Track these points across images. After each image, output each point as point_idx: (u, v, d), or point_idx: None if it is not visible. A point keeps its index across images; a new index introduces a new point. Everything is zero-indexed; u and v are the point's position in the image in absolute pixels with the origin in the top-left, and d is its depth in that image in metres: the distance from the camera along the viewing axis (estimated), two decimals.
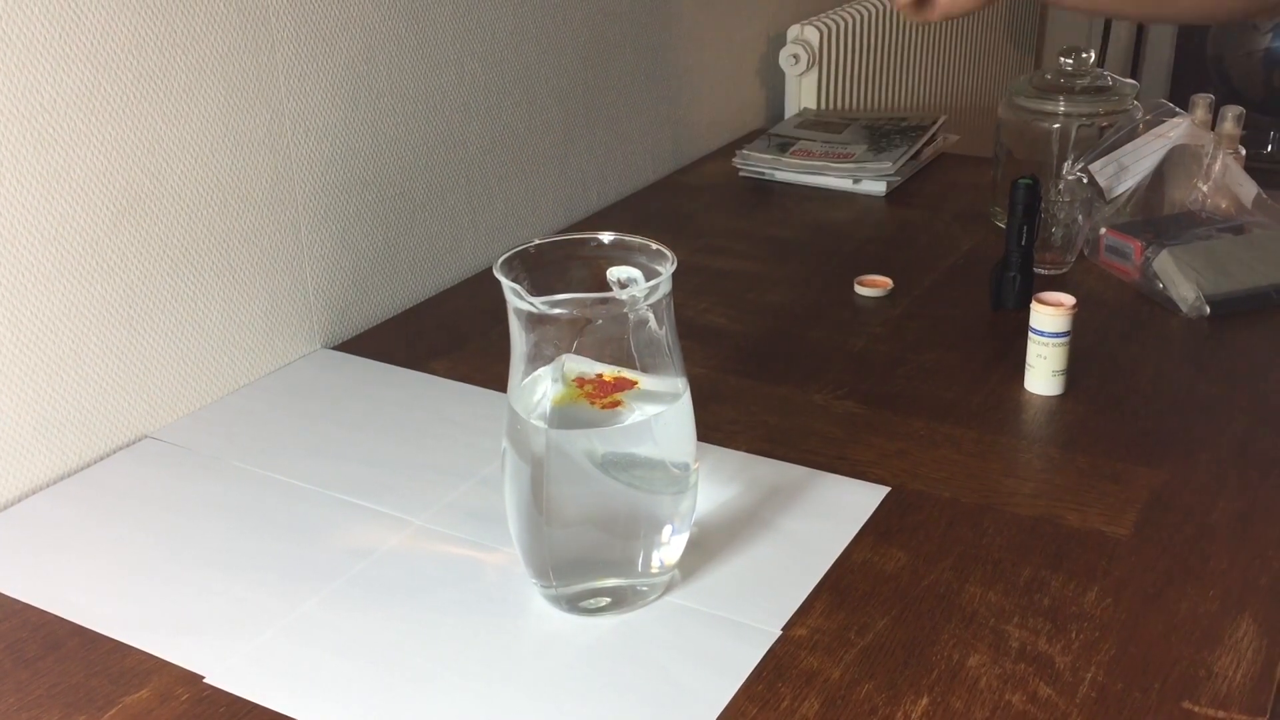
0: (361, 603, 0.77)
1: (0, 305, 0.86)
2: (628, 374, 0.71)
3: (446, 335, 1.16)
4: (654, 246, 0.72)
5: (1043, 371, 1.01)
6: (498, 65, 1.29)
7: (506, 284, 0.69)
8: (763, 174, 1.57)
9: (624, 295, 0.70)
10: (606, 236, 0.74)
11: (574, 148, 1.44)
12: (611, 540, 0.74)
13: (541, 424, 0.70)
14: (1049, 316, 1.00)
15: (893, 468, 0.91)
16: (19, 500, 0.89)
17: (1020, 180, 1.14)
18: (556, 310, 0.69)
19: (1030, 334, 1.01)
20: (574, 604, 0.75)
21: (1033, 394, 1.02)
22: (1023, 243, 1.15)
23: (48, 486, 0.91)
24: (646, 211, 1.51)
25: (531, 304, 0.68)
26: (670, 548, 0.75)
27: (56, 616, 0.76)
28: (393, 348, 1.13)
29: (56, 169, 0.88)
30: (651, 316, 0.71)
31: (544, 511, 0.71)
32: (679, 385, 0.73)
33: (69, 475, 0.92)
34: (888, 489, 0.88)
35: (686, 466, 0.74)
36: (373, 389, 1.05)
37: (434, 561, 0.81)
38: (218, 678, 0.71)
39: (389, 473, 0.91)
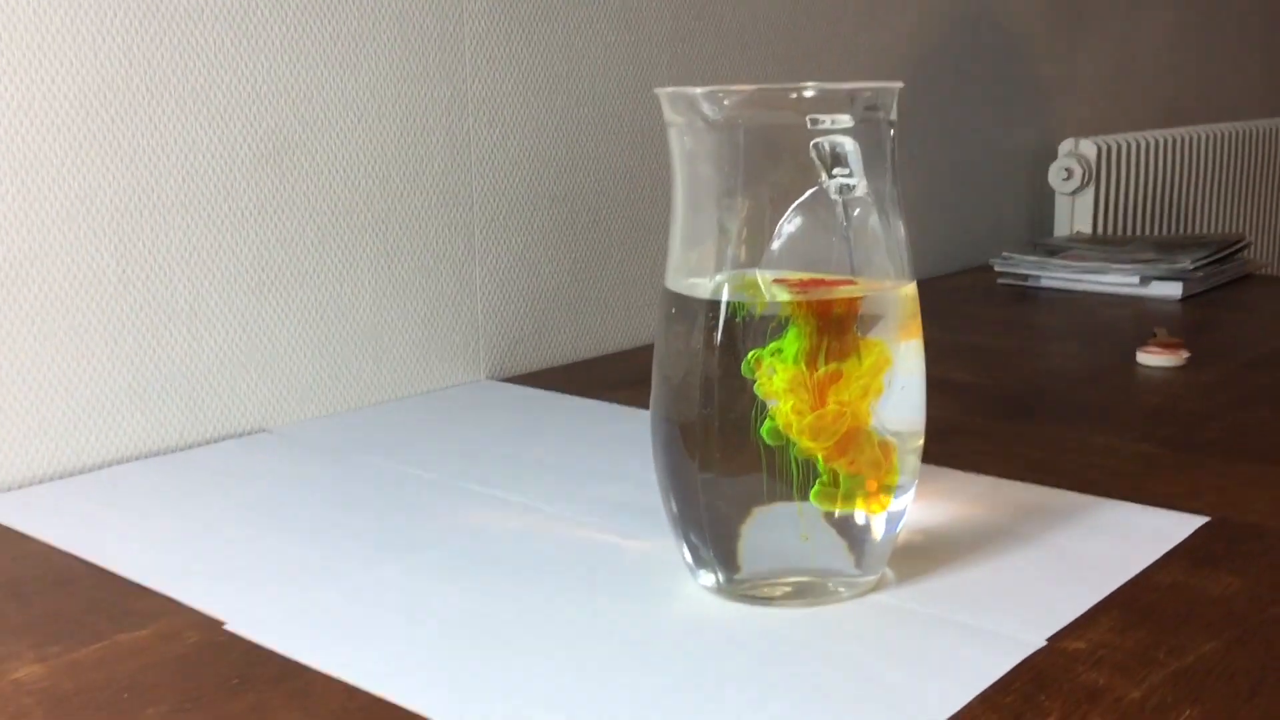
0: (453, 573, 0.57)
1: (108, 242, 0.74)
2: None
3: (636, 380, 0.98)
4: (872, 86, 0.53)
5: None
6: None
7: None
8: (1026, 278, 1.34)
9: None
10: (809, 90, 0.55)
11: None
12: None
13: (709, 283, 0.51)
14: None
15: (1210, 501, 0.65)
16: (102, 466, 0.75)
17: None
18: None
19: None
20: (745, 592, 0.53)
21: None
22: None
23: (139, 459, 0.76)
24: None
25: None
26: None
27: (80, 559, 0.60)
28: (570, 392, 0.95)
29: (195, 111, 0.78)
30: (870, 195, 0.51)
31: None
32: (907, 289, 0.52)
33: (166, 452, 0.78)
34: (1205, 518, 0.62)
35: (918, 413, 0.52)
36: (539, 413, 0.87)
37: (560, 545, 0.61)
38: (239, 625, 0.52)
39: (532, 470, 0.73)
